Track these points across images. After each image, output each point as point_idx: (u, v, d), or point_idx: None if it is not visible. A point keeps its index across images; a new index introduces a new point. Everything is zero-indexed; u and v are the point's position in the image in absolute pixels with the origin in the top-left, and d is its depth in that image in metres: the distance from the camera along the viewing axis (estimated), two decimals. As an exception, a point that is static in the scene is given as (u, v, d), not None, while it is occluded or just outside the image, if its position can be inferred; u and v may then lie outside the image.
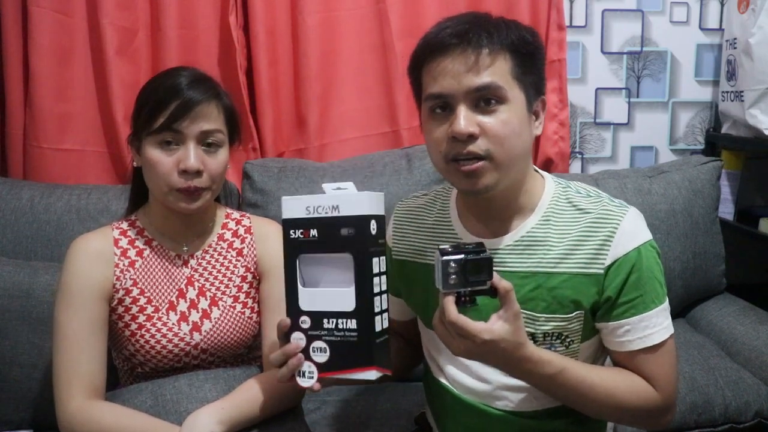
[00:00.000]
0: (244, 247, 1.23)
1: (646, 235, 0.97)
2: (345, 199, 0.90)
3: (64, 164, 1.81)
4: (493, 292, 0.87)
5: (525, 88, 0.94)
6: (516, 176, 0.97)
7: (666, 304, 0.98)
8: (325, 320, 0.91)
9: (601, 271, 0.95)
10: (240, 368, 1.19)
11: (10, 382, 1.40)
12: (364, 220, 0.89)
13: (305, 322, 0.92)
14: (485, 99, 0.91)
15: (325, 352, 0.92)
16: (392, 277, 1.13)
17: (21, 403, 1.41)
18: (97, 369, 1.08)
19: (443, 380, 1.07)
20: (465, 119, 0.91)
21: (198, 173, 1.10)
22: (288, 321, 0.93)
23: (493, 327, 0.86)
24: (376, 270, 0.91)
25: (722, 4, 2.07)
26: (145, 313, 1.15)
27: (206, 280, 1.20)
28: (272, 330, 1.17)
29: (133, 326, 1.14)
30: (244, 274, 1.22)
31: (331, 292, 0.91)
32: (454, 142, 0.92)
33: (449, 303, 0.86)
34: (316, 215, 0.91)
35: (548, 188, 1.02)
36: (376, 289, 0.91)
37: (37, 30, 1.73)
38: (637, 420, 1.00)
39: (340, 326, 0.91)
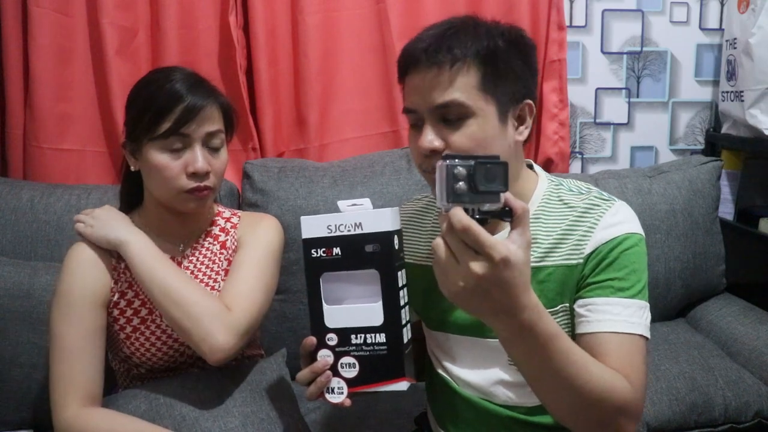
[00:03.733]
0: (227, 239, 1.24)
1: (630, 227, 0.96)
2: (367, 216, 0.91)
3: (64, 164, 1.81)
4: (506, 214, 0.73)
5: (496, 98, 0.93)
6: None
7: (639, 303, 0.93)
8: (353, 336, 0.92)
9: (581, 261, 0.95)
10: (232, 367, 1.19)
11: (10, 382, 1.40)
12: (389, 235, 0.90)
13: (332, 339, 0.93)
14: (449, 115, 0.92)
15: (354, 367, 0.92)
16: None
17: (21, 403, 1.41)
18: (94, 377, 1.08)
19: (444, 374, 1.08)
20: (429, 135, 0.93)
21: (206, 174, 1.11)
22: (314, 340, 0.93)
23: (511, 246, 0.71)
24: (400, 283, 0.92)
25: (722, 4, 2.07)
26: (139, 315, 1.15)
27: (195, 277, 1.20)
28: (226, 289, 1.13)
29: (128, 329, 1.14)
30: (228, 267, 1.22)
31: (357, 308, 0.92)
32: (424, 156, 0.94)
33: (458, 211, 0.70)
34: (338, 233, 0.91)
35: (540, 187, 1.02)
36: (402, 302, 0.91)
37: (37, 30, 1.73)
38: (608, 419, 0.85)
39: (369, 341, 0.91)
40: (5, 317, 1.41)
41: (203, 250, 1.22)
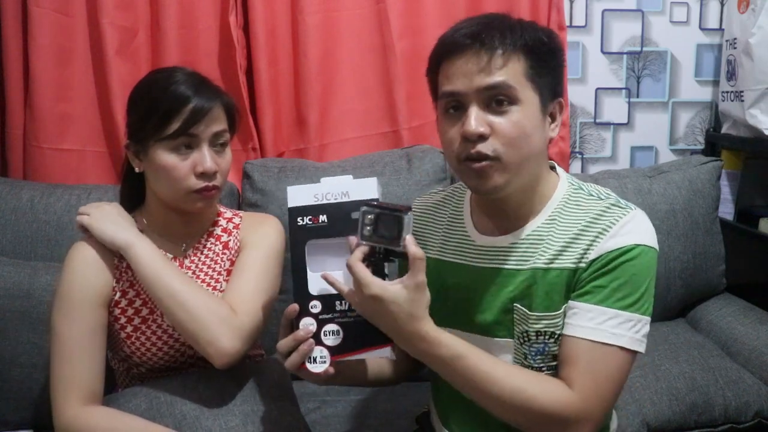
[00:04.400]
0: (230, 240, 1.24)
1: (640, 238, 0.94)
2: (353, 184, 0.94)
3: (64, 164, 1.81)
4: (405, 256, 0.87)
5: (539, 89, 0.94)
6: (528, 178, 0.97)
7: (631, 316, 0.92)
8: (338, 302, 0.92)
9: (585, 265, 0.95)
10: (234, 366, 1.19)
11: (10, 382, 1.40)
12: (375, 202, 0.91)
13: (315, 306, 0.93)
14: (497, 99, 0.92)
15: (338, 334, 0.92)
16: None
17: (21, 403, 1.41)
18: (95, 376, 1.08)
19: None
20: (475, 119, 0.91)
21: (214, 174, 1.12)
22: (296, 307, 0.93)
23: (388, 286, 0.86)
24: None
25: (722, 4, 2.07)
26: (140, 315, 1.15)
27: (197, 277, 1.20)
28: (230, 291, 1.15)
29: (129, 329, 1.14)
30: (230, 268, 1.22)
31: (341, 275, 0.92)
32: (466, 141, 0.93)
33: (357, 250, 0.87)
34: (325, 201, 0.93)
35: (560, 189, 1.02)
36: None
37: (37, 30, 1.74)
38: (539, 426, 0.92)
39: (354, 307, 0.91)
40: (5, 317, 1.41)
41: (205, 251, 1.22)
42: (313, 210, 0.93)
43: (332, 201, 0.93)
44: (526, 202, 1.00)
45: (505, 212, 1.01)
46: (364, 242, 0.88)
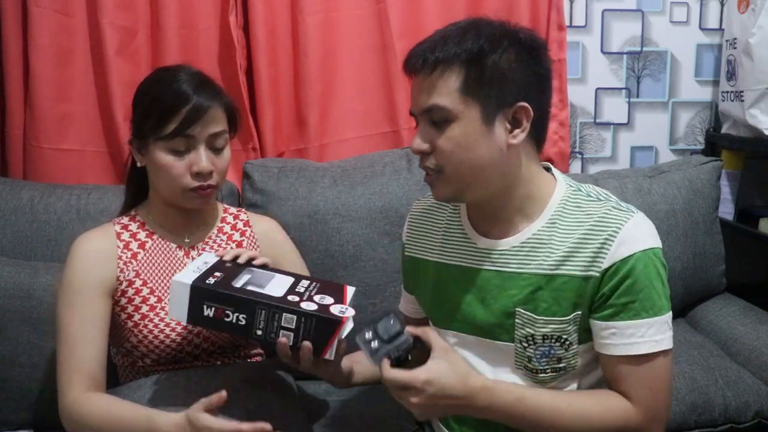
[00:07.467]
0: (243, 240, 1.27)
1: (648, 242, 0.95)
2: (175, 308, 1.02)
3: (64, 164, 1.81)
4: (417, 343, 0.95)
5: (479, 100, 0.92)
6: (491, 186, 0.97)
7: (664, 318, 0.95)
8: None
9: (598, 275, 0.94)
10: (235, 365, 1.20)
11: (10, 382, 1.40)
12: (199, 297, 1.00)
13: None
14: (433, 120, 0.95)
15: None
16: (406, 274, 1.18)
17: (21, 403, 1.41)
18: (97, 363, 1.11)
19: None
20: (418, 138, 0.97)
21: (209, 174, 1.14)
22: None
23: (428, 367, 0.90)
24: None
25: (722, 4, 2.08)
26: (147, 303, 1.17)
27: None
28: None
29: (136, 317, 1.16)
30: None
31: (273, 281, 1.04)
32: (419, 156, 0.99)
33: (383, 366, 0.92)
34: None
35: (558, 191, 1.01)
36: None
37: (37, 30, 1.73)
38: None
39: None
40: (5, 317, 1.41)
41: (216, 246, 1.26)
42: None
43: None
44: (513, 206, 1.00)
45: (496, 216, 1.01)
46: (379, 359, 0.93)
